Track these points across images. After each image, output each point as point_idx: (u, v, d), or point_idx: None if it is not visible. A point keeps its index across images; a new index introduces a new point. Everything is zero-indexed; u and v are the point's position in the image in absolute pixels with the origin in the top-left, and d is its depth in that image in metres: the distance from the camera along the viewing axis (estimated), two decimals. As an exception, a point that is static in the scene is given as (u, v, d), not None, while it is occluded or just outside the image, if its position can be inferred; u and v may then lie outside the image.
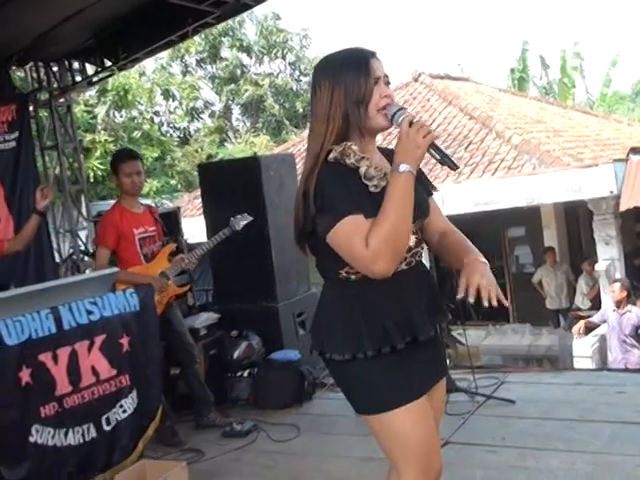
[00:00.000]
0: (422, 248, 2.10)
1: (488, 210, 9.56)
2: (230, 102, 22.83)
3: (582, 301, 10.68)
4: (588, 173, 9.00)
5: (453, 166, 1.96)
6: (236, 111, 23.68)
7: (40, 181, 6.42)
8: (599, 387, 4.56)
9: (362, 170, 1.95)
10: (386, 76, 2.00)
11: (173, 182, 18.98)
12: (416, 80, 14.41)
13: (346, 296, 1.99)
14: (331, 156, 1.95)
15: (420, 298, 2.03)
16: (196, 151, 20.72)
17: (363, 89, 1.93)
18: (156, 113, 21.02)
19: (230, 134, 23.20)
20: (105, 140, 15.63)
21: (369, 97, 1.94)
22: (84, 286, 3.73)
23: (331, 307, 2.04)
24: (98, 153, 15.16)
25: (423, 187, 2.08)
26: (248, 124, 23.10)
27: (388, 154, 2.05)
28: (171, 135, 20.79)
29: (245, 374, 5.08)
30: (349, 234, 1.87)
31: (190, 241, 6.88)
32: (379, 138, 2.24)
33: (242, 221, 4.57)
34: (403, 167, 1.86)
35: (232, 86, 21.96)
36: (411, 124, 1.89)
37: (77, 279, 4.69)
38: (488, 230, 12.01)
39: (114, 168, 4.47)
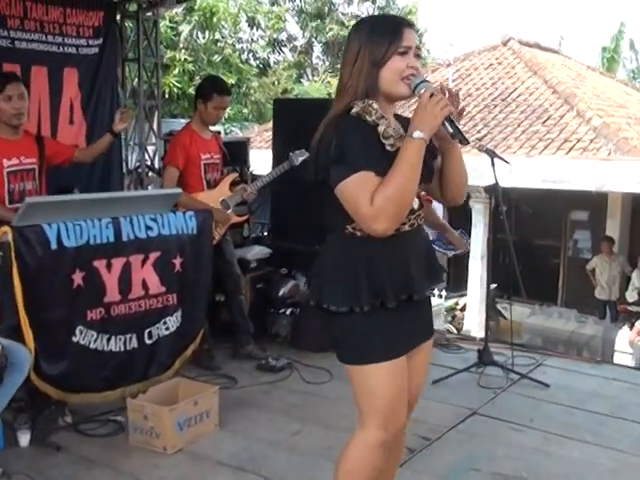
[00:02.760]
0: (422, 211, 2.16)
1: (555, 189, 9.34)
2: (313, 39, 22.53)
3: (632, 294, 10.45)
4: (663, 167, 8.70)
5: (464, 141, 2.01)
6: (317, 49, 23.38)
7: (117, 92, 6.47)
8: (635, 386, 4.49)
9: (381, 129, 2.00)
10: (417, 48, 2.05)
11: (245, 111, 18.94)
12: (504, 44, 13.99)
13: (350, 251, 2.05)
14: (353, 110, 2.00)
15: (419, 259, 2.12)
16: (273, 83, 20.58)
17: (383, 52, 1.99)
18: (239, 40, 20.82)
19: (308, 71, 22.98)
20: (185, 59, 15.65)
21: (386, 60, 2.00)
22: (147, 202, 3.79)
23: (334, 260, 2.09)
24: (176, 71, 15.20)
25: (429, 153, 2.12)
26: (327, 64, 22.80)
27: (402, 122, 2.13)
28: (250, 64, 20.62)
29: (288, 312, 5.12)
30: (357, 189, 1.92)
31: (255, 173, 6.92)
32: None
33: (300, 157, 4.57)
34: (417, 134, 1.92)
35: (317, 23, 21.60)
36: (432, 96, 1.95)
37: (141, 194, 4.77)
38: (551, 209, 11.78)
39: (206, 94, 4.44)
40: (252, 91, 19.16)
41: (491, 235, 5.29)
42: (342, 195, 1.96)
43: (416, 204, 2.10)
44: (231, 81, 17.33)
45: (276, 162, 5.51)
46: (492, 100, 11.85)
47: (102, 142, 4.33)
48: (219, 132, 5.03)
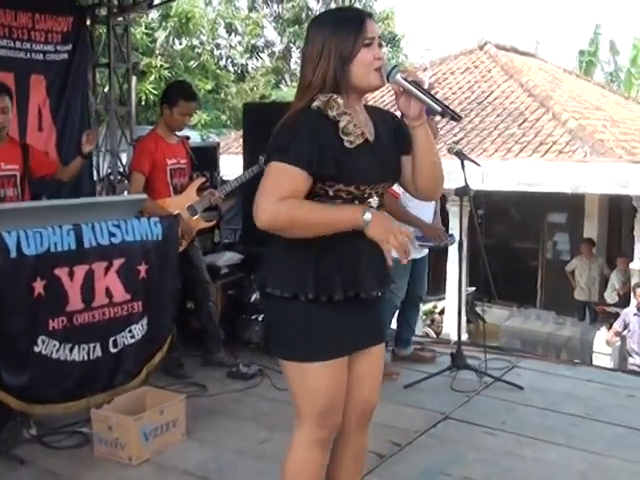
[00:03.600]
0: (383, 211, 2.12)
1: (531, 192, 9.38)
2: (291, 44, 22.51)
3: (611, 295, 10.51)
4: (637, 169, 8.75)
5: (456, 116, 1.99)
6: (296, 54, 23.34)
7: (88, 98, 6.41)
8: (611, 387, 4.47)
9: (341, 124, 1.98)
10: (380, 38, 2.05)
11: (223, 117, 18.89)
12: (481, 49, 14.06)
13: (300, 238, 1.99)
14: (314, 104, 1.98)
15: (371, 259, 2.07)
16: (251, 89, 20.52)
17: (350, 47, 1.98)
18: (217, 46, 20.77)
19: (287, 77, 22.95)
20: (161, 66, 15.59)
21: (354, 55, 1.99)
22: (110, 208, 3.73)
23: (282, 246, 2.04)
24: (152, 78, 15.14)
25: (398, 147, 2.13)
26: (305, 70, 22.85)
27: (373, 112, 2.13)
28: (228, 70, 20.58)
29: (260, 318, 5.07)
30: (278, 179, 1.92)
31: (226, 178, 6.88)
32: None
33: None
34: (364, 220, 1.91)
35: (295, 28, 21.58)
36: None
37: (103, 200, 4.73)
38: (529, 212, 11.84)
39: (171, 100, 4.43)
40: (230, 97, 19.11)
41: (466, 239, 5.25)
42: (264, 176, 1.95)
43: (375, 203, 2.07)
44: (208, 87, 17.34)
45: (247, 166, 5.47)
46: (468, 104, 11.89)
47: (74, 165, 4.39)
48: (188, 137, 4.99)
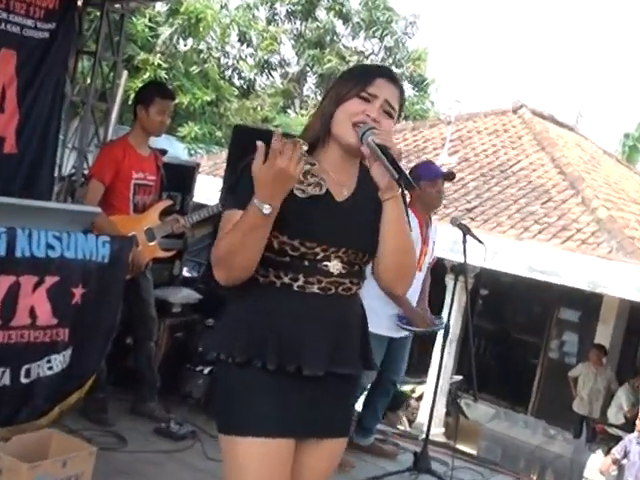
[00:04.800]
0: (354, 284, 2.15)
1: (544, 281, 9.33)
2: (308, 68, 22.78)
3: (615, 414, 10.36)
4: (668, 278, 8.74)
5: (409, 185, 2.01)
6: (311, 79, 23.62)
7: (64, 86, 6.38)
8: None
9: None
10: (388, 104, 2.10)
11: (218, 134, 18.97)
12: (515, 111, 14.19)
13: (247, 294, 2.08)
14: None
15: (326, 332, 2.07)
16: (254, 109, 20.70)
17: (345, 91, 2.09)
18: (225, 54, 21.02)
19: (297, 102, 23.17)
20: (159, 65, 15.69)
21: (343, 100, 2.09)
22: (55, 216, 3.67)
23: (230, 301, 2.13)
24: (147, 76, 15.20)
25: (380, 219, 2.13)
26: (319, 97, 23.04)
27: (368, 176, 2.10)
28: (232, 83, 20.76)
29: (206, 371, 4.99)
30: (222, 228, 2.03)
31: (206, 202, 6.87)
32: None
33: None
34: (266, 208, 1.93)
35: (316, 51, 21.87)
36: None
37: (50, 205, 4.64)
38: (538, 302, 11.80)
39: (147, 98, 4.47)
40: (229, 113, 19.23)
41: (460, 319, 5.20)
42: None
43: (335, 268, 2.08)
44: (207, 98, 17.43)
45: (224, 194, 5.49)
46: (490, 170, 11.94)
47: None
48: (164, 151, 4.96)
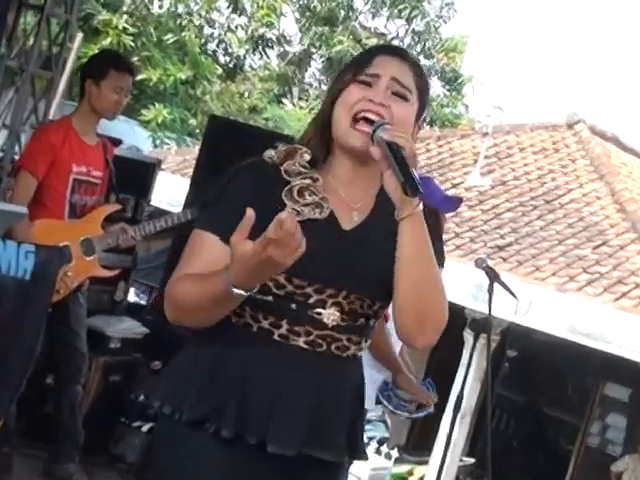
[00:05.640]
0: (354, 343, 2.09)
1: (589, 346, 9.30)
2: (313, 49, 22.89)
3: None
4: None
5: (413, 190, 1.93)
6: (316, 63, 23.77)
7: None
8: None
9: (292, 185, 2.04)
10: (397, 82, 2.06)
11: (192, 122, 19.04)
12: (569, 127, 14.22)
13: (209, 334, 2.03)
14: (267, 154, 2.09)
15: (306, 400, 2.02)
16: (241, 95, 20.80)
17: (340, 82, 2.10)
18: (210, 22, 21.12)
19: (295, 91, 23.26)
20: (124, 29, 15.73)
21: (339, 91, 2.09)
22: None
23: (186, 342, 2.13)
24: (108, 41, 15.26)
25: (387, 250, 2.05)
26: (324, 87, 23.14)
27: (383, 206, 2.07)
28: (216, 60, 20.83)
29: (145, 428, 4.99)
30: (188, 250, 2.05)
31: (164, 208, 6.85)
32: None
33: None
34: (237, 293, 1.88)
35: (325, 29, 21.99)
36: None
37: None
38: (578, 373, 11.75)
39: (99, 71, 4.48)
40: (208, 97, 19.29)
41: (478, 386, 5.19)
42: None
43: (332, 319, 2.02)
44: (182, 75, 17.46)
45: (190, 200, 5.57)
46: (532, 198, 11.95)
47: None
48: (118, 141, 4.96)
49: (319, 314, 2.01)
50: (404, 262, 1.99)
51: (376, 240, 2.07)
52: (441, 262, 2.08)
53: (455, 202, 4.49)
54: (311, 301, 2.00)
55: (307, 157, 2.06)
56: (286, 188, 2.03)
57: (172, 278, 2.03)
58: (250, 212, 1.80)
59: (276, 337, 2.00)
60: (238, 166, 2.10)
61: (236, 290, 1.85)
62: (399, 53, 2.11)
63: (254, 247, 1.78)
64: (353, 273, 2.03)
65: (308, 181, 2.04)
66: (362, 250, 2.05)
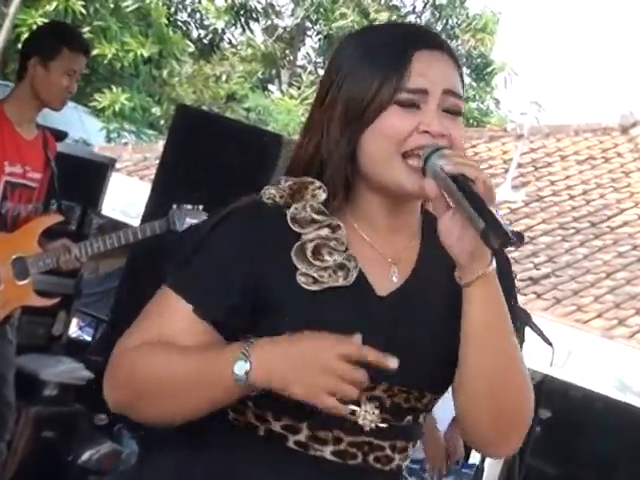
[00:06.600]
0: (399, 452, 1.93)
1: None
2: (308, 23, 22.97)
3: None
4: None
5: (506, 239, 1.73)
6: (311, 42, 23.85)
7: None
8: None
9: (304, 240, 1.84)
10: (451, 93, 1.87)
11: (156, 110, 19.07)
12: (624, 132, 14.26)
13: (197, 435, 1.87)
14: (266, 193, 1.88)
15: None
16: (217, 78, 20.83)
17: (368, 98, 1.85)
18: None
19: (285, 75, 23.32)
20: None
21: (372, 116, 1.85)
22: None
23: (161, 440, 1.95)
24: (52, 7, 15.27)
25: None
26: (321, 71, 23.18)
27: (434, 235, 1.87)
28: (188, 34, 20.88)
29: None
30: (151, 311, 1.86)
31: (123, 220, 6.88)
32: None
33: (190, 218, 4.65)
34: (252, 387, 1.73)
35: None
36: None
37: None
38: (630, 440, 11.72)
39: (48, 49, 4.48)
40: (177, 81, 19.31)
41: (503, 461, 5.29)
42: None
43: (369, 420, 1.85)
44: (145, 52, 17.47)
45: (153, 206, 5.59)
46: (575, 219, 11.98)
47: None
48: (63, 133, 4.97)
49: (352, 413, 1.80)
50: (473, 343, 1.84)
51: (425, 309, 1.92)
52: (520, 336, 1.96)
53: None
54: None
55: (323, 196, 1.87)
56: (296, 245, 1.84)
57: (125, 342, 1.84)
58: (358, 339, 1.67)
59: (291, 444, 1.82)
60: (228, 209, 1.88)
61: (252, 381, 1.70)
62: (440, 44, 1.92)
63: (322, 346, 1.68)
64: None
65: (326, 232, 1.87)
66: (406, 324, 1.88)
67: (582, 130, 14.56)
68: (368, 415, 1.84)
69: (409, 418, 1.91)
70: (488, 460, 5.09)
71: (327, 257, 1.84)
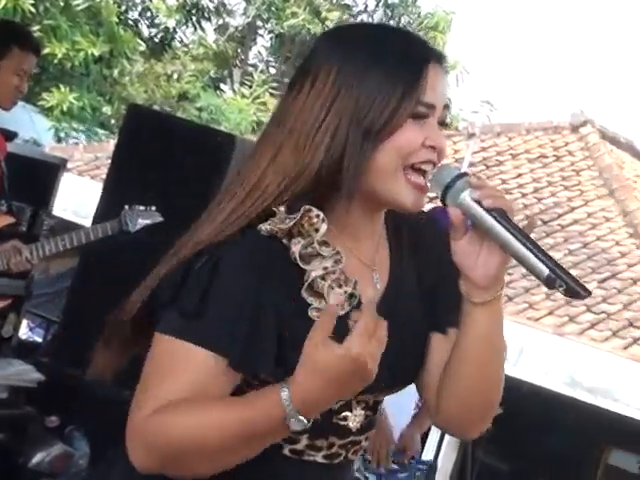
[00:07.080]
0: (369, 439, 1.99)
1: (590, 404, 9.36)
2: (260, 22, 22.92)
3: None
4: None
5: (578, 291, 1.71)
6: (263, 40, 23.79)
7: None
8: None
9: (310, 274, 1.79)
10: (447, 107, 1.88)
11: (106, 110, 18.98)
12: (574, 130, 14.33)
13: None
14: (265, 227, 1.77)
15: None
16: (168, 77, 20.74)
17: (389, 113, 1.78)
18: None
19: (237, 74, 23.26)
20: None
21: (390, 130, 1.78)
22: None
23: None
24: (0, 5, 15.17)
25: (428, 318, 1.96)
26: (272, 70, 23.17)
27: (397, 229, 1.98)
28: (138, 32, 20.78)
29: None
30: (163, 372, 1.73)
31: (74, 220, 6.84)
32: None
33: (143, 219, 4.65)
34: (302, 422, 1.68)
35: (275, -3, 22.06)
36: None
37: None
38: (578, 436, 11.80)
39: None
40: (128, 80, 19.22)
41: (454, 455, 5.28)
42: (147, 361, 1.77)
43: (357, 422, 1.90)
44: (95, 51, 17.38)
45: (106, 206, 5.55)
46: (526, 217, 11.99)
47: None
48: (13, 133, 4.98)
49: (345, 419, 1.87)
50: (472, 356, 1.86)
51: (404, 312, 1.93)
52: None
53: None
54: (336, 406, 1.81)
55: (324, 228, 1.80)
56: (307, 282, 1.79)
57: (142, 410, 1.73)
58: (335, 304, 1.67)
59: (286, 452, 1.83)
60: (215, 245, 1.78)
61: (300, 417, 1.65)
62: (444, 58, 1.91)
63: (348, 344, 1.61)
64: (385, 364, 1.75)
65: (330, 263, 1.82)
66: (393, 328, 1.77)
67: (533, 129, 14.64)
68: (357, 417, 1.89)
69: (379, 407, 1.98)
70: (441, 457, 5.13)
71: (337, 289, 1.80)
